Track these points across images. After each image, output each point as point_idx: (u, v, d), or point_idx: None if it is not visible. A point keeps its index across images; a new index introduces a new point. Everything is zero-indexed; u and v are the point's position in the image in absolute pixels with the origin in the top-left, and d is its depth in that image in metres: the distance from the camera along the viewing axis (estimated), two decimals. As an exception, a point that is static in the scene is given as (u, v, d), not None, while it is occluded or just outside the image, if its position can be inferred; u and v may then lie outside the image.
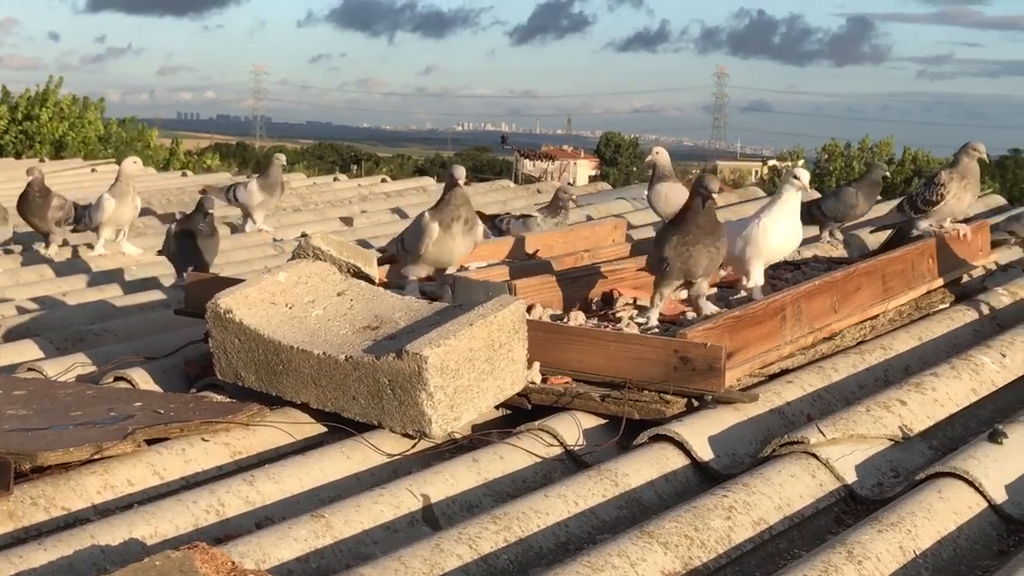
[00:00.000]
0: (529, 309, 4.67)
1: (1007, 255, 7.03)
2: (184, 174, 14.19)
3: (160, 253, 7.35)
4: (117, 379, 4.76)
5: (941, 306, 5.71)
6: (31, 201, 8.15)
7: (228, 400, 4.37)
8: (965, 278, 6.12)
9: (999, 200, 9.77)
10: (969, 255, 6.14)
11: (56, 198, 8.18)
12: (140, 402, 4.26)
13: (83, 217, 8.20)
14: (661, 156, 7.06)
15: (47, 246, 8.27)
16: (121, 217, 8.03)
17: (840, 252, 7.00)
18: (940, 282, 5.89)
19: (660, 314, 4.82)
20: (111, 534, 3.17)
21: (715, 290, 5.34)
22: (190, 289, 5.34)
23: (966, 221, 6.72)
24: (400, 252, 5.32)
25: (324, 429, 4.21)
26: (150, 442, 3.88)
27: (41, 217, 8.17)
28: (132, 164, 8.21)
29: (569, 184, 11.75)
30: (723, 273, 5.48)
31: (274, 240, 8.76)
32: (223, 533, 3.30)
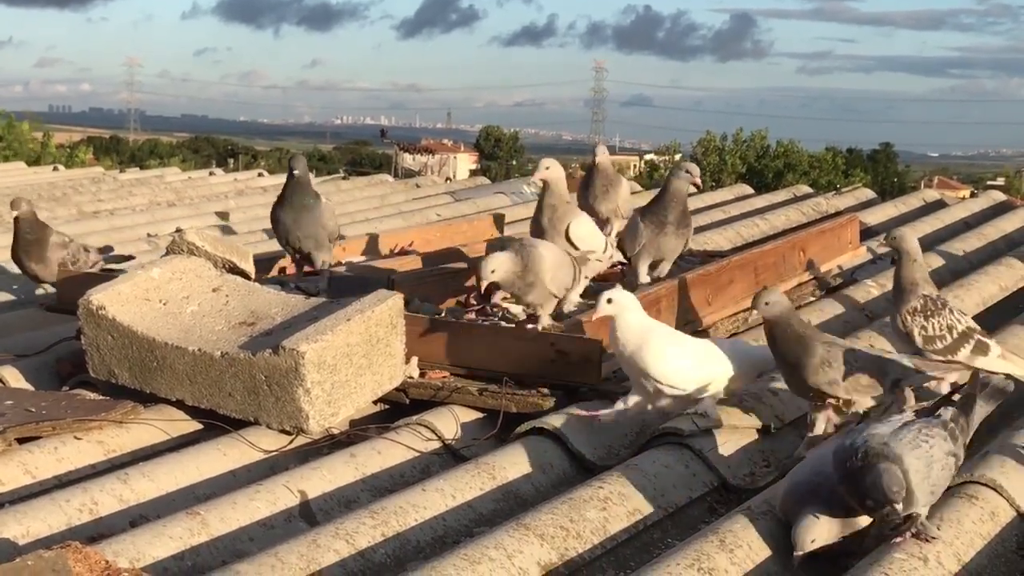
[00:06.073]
0: (407, 304, 4.67)
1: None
2: (56, 168, 13.87)
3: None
4: (-13, 377, 4.66)
5: (811, 298, 5.83)
6: (22, 241, 6.33)
7: (101, 398, 4.31)
8: (836, 270, 6.25)
9: (869, 193, 9.94)
10: (839, 249, 6.28)
11: (55, 235, 6.42)
12: (11, 400, 4.19)
13: None
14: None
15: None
16: None
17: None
18: (811, 275, 6.02)
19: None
20: (-19, 534, 3.12)
21: (591, 284, 5.39)
22: (62, 286, 5.25)
23: (838, 214, 6.80)
24: None
25: (200, 426, 4.18)
26: (21, 441, 3.82)
27: (39, 260, 6.36)
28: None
29: (448, 179, 11.75)
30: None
31: (148, 235, 8.60)
32: (97, 532, 3.27)
